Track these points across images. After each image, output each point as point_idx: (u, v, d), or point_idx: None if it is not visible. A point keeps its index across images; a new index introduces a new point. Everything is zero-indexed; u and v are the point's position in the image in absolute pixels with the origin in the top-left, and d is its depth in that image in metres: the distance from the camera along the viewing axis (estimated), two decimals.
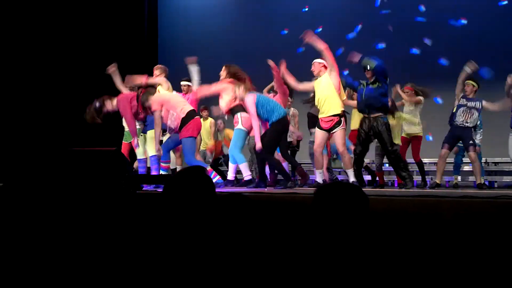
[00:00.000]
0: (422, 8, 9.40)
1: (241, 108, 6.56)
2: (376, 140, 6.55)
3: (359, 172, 6.44)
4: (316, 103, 6.46)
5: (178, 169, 7.58)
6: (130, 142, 6.88)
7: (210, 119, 9.31)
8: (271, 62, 6.67)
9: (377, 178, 7.68)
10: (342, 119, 6.21)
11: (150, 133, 6.53)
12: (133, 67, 9.81)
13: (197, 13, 11.29)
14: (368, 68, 6.14)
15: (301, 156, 8.57)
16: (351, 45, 9.68)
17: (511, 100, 6.49)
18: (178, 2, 11.57)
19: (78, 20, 9.55)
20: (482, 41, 9.60)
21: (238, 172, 6.86)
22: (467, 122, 6.69)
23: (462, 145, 7.17)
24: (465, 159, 7.67)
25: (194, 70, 6.94)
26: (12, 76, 8.71)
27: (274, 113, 6.22)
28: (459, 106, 6.77)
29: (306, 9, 10.41)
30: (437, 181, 6.84)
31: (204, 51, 10.00)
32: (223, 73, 6.77)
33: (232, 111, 6.67)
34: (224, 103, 6.66)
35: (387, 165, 7.67)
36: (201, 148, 8.90)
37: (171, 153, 7.23)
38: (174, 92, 6.87)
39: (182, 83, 7.57)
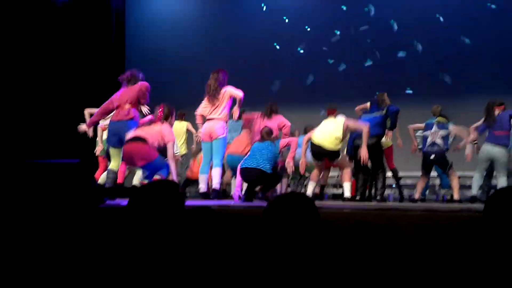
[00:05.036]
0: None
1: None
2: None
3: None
4: None
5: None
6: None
7: (186, 122, 7.91)
8: None
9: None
10: None
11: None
12: (100, 78, 9.71)
13: (165, 23, 11.22)
14: None
15: None
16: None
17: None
18: (146, 12, 11.48)
19: (43, 28, 9.36)
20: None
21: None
22: None
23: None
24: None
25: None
26: None
27: None
28: None
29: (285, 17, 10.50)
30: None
31: (171, 61, 9.93)
32: None
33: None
34: None
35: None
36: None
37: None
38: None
39: None
